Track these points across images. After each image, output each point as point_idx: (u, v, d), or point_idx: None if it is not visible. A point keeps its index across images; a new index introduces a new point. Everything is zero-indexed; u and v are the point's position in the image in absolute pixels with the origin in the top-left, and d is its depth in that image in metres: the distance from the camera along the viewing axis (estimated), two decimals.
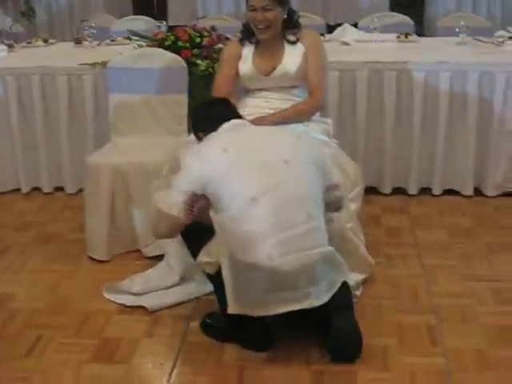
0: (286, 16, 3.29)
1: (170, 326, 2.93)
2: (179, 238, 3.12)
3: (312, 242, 2.52)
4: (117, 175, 3.48)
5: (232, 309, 2.56)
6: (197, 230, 2.69)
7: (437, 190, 4.30)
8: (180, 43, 4.07)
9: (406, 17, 5.39)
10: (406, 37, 4.78)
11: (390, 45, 4.52)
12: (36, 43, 5.09)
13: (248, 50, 3.40)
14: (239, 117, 2.87)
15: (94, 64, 4.23)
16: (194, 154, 2.65)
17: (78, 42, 4.96)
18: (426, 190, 4.34)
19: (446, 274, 3.32)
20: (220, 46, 4.13)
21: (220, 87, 3.39)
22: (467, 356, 2.64)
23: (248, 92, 3.49)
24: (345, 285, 2.66)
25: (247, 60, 3.38)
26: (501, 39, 4.62)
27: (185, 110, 3.81)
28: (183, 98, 3.82)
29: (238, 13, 6.75)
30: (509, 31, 4.82)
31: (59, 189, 4.56)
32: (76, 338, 2.87)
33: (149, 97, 3.82)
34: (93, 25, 4.93)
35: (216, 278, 2.65)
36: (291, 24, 3.36)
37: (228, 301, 2.56)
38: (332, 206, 2.74)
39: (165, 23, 4.88)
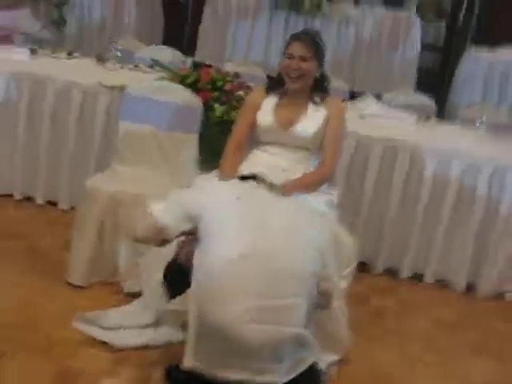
0: (318, 75, 3.27)
1: (135, 368, 2.84)
2: (158, 278, 3.08)
3: (289, 319, 2.43)
4: (110, 203, 3.41)
5: (188, 361, 2.48)
6: (179, 275, 2.61)
7: (429, 278, 4.23)
8: (201, 83, 4.03)
9: (430, 100, 5.37)
10: (426, 120, 4.73)
11: (408, 125, 4.48)
12: (59, 54, 5.05)
13: (271, 101, 3.35)
14: None
15: (112, 87, 4.19)
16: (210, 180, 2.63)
17: (102, 61, 4.92)
18: (417, 277, 4.27)
19: (424, 369, 3.24)
20: (240, 93, 4.10)
21: (237, 134, 3.33)
22: None
23: (258, 144, 3.44)
24: (313, 367, 2.57)
25: (268, 110, 3.33)
26: None
27: (192, 152, 3.75)
28: (192, 139, 3.76)
29: (264, 62, 6.73)
30: None
31: (52, 203, 4.48)
32: (39, 360, 2.78)
33: (158, 131, 3.76)
34: (120, 47, 4.90)
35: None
36: (321, 87, 3.34)
37: (186, 352, 2.48)
38: (321, 300, 2.66)
39: (191, 59, 4.84)
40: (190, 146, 3.76)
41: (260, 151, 3.38)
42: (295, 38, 3.27)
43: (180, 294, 2.65)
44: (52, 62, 4.90)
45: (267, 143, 3.38)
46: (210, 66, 4.29)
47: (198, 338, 2.48)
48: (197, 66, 4.61)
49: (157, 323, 3.12)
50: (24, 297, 3.28)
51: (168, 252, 2.96)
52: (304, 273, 2.52)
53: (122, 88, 4.09)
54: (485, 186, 4.06)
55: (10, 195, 4.49)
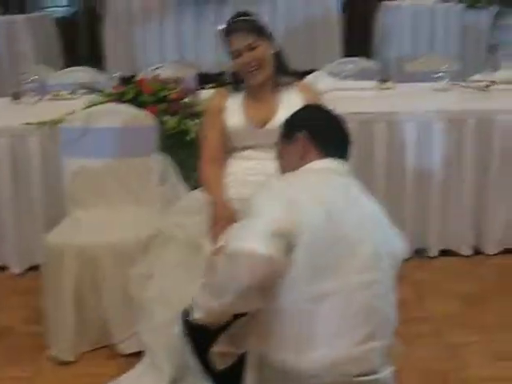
0: (273, 52, 2.86)
1: None
2: (167, 332, 2.60)
3: (367, 366, 2.00)
4: (83, 258, 2.90)
5: None
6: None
7: (433, 252, 3.89)
8: (144, 97, 3.55)
9: (372, 62, 5.03)
10: (383, 83, 4.39)
11: (370, 93, 4.12)
12: None
13: (236, 100, 2.93)
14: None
15: (40, 124, 3.64)
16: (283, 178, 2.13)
17: (17, 97, 4.34)
18: (419, 252, 3.91)
19: (472, 354, 2.91)
20: (189, 99, 3.65)
21: (210, 146, 2.91)
22: None
23: (233, 152, 3.01)
24: None
25: (237, 111, 2.91)
26: (483, 83, 4.29)
27: (155, 175, 3.26)
28: (153, 161, 3.27)
29: (181, 61, 6.26)
30: (486, 74, 4.52)
31: (2, 268, 3.90)
32: None
33: (112, 161, 3.27)
34: (36, 77, 4.33)
35: (225, 373, 2.10)
36: (283, 67, 2.94)
37: None
38: None
39: (117, 74, 4.32)
40: (150, 169, 3.27)
41: (237, 160, 2.96)
42: (229, 31, 2.84)
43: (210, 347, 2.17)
44: None
45: (243, 148, 2.96)
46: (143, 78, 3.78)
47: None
48: (126, 80, 4.10)
49: (175, 383, 2.67)
50: None
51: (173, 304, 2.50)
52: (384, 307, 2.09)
53: (53, 123, 3.57)
54: (471, 141, 3.73)
55: None
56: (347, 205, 2.00)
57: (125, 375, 2.76)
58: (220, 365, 2.13)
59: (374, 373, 1.99)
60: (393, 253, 2.08)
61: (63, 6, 8.69)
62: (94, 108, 3.47)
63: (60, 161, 3.42)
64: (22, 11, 7.39)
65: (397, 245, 2.13)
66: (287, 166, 2.23)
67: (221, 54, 6.42)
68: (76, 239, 2.96)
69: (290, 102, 2.84)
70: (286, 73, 2.97)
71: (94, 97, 3.82)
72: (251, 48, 2.79)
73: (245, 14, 2.92)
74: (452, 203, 3.84)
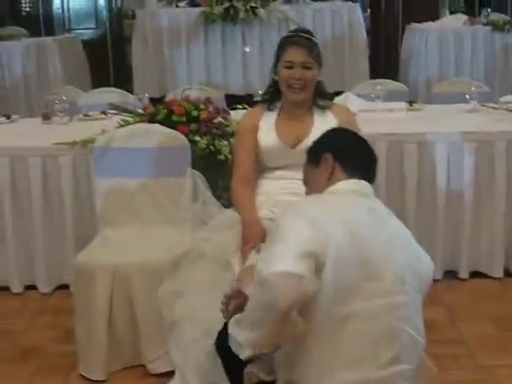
0: (318, 80, 2.91)
1: None
2: (196, 350, 2.59)
3: None
4: (116, 278, 2.89)
5: None
6: None
7: (463, 274, 3.85)
8: (175, 117, 3.56)
9: (400, 84, 5.03)
10: (411, 105, 4.39)
11: (399, 114, 4.11)
12: None
13: (270, 119, 2.95)
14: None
15: (72, 144, 3.67)
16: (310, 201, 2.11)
17: (47, 117, 4.38)
18: (450, 274, 3.88)
19: (506, 376, 2.87)
20: (220, 119, 3.66)
21: (242, 168, 2.92)
22: None
23: (265, 172, 3.01)
24: None
25: (270, 129, 2.92)
26: (511, 105, 4.28)
27: (188, 195, 3.26)
28: (186, 181, 3.27)
29: (209, 83, 6.30)
30: None
31: (31, 287, 3.91)
32: None
33: (145, 181, 3.29)
34: (64, 98, 4.37)
35: None
36: (322, 92, 2.98)
37: None
38: None
39: (146, 95, 4.36)
40: (183, 189, 3.26)
41: (270, 180, 2.97)
42: (292, 42, 2.88)
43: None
44: None
45: (275, 168, 2.97)
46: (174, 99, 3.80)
47: None
48: (155, 101, 4.13)
49: None
50: None
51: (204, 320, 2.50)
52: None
53: (84, 142, 3.60)
54: (501, 162, 3.71)
55: None
56: (372, 226, 1.99)
57: None
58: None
59: None
60: (419, 274, 2.05)
61: (91, 29, 8.81)
62: (126, 128, 3.49)
63: (92, 180, 3.47)
64: (50, 33, 7.51)
65: (424, 266, 2.10)
66: (314, 188, 2.23)
67: (247, 75, 6.61)
68: (107, 259, 2.97)
69: (324, 124, 2.85)
70: (324, 98, 2.99)
71: (124, 117, 3.83)
72: (306, 67, 2.82)
73: (310, 32, 2.97)
74: (483, 225, 3.80)
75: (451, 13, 8.27)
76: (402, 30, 7.64)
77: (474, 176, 3.74)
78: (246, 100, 4.55)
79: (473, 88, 4.35)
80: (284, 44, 2.91)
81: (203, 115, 3.61)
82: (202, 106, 3.69)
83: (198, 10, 6.58)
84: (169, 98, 4.38)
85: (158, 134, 3.33)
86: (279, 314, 1.80)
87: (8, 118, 4.57)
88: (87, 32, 8.66)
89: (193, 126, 3.55)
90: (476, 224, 3.79)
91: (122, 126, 3.67)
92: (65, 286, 3.80)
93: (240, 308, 2.05)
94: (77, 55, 7.24)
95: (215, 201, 3.11)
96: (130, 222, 3.25)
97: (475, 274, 3.88)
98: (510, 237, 3.83)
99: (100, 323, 2.90)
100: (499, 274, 3.85)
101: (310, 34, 2.96)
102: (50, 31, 8.01)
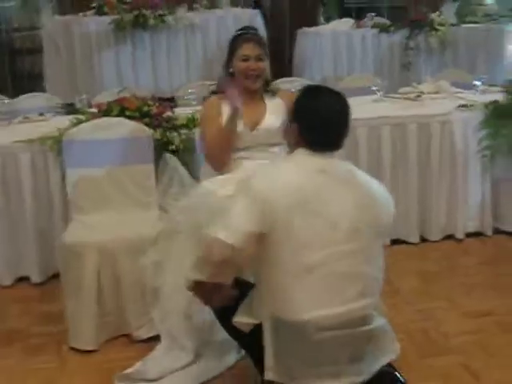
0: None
1: None
2: (183, 312, 2.97)
3: (362, 319, 2.37)
4: (103, 254, 3.20)
5: (270, 375, 2.39)
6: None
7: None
8: (128, 113, 3.89)
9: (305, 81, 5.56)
10: None
11: None
12: None
13: (227, 108, 3.31)
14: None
15: (30, 141, 3.90)
16: (263, 176, 2.41)
17: None
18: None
19: (444, 315, 3.45)
20: (169, 114, 4.03)
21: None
22: None
23: None
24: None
25: None
26: (412, 95, 4.90)
27: (152, 181, 3.63)
28: (150, 168, 3.64)
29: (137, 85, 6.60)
30: (414, 86, 5.15)
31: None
32: None
33: (112, 169, 3.61)
34: (6, 101, 4.54)
35: (248, 338, 2.50)
36: (267, 80, 3.39)
37: (266, 366, 2.39)
38: None
39: (85, 96, 4.60)
40: (148, 175, 3.63)
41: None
42: (245, 39, 3.28)
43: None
44: None
45: (240, 150, 3.34)
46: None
47: (276, 351, 2.40)
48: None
49: (198, 357, 3.02)
50: (44, 378, 3.02)
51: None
52: (367, 270, 2.42)
53: (44, 140, 3.86)
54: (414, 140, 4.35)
55: None
56: (322, 187, 2.32)
57: (149, 356, 3.05)
58: (243, 329, 2.49)
59: (371, 323, 2.39)
60: (376, 223, 2.37)
61: None
62: (92, 122, 3.77)
63: (50, 175, 3.80)
64: None
65: (383, 215, 2.42)
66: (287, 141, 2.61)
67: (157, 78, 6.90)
68: (93, 237, 3.27)
69: (275, 106, 3.30)
70: (268, 85, 3.42)
71: (77, 117, 4.08)
72: (259, 59, 3.24)
73: (256, 29, 3.41)
74: (400, 197, 4.37)
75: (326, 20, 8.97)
76: (289, 35, 8.22)
77: (391, 154, 4.32)
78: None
79: (378, 81, 4.92)
80: (238, 41, 3.31)
81: (154, 110, 3.97)
82: (150, 102, 4.03)
83: (107, 18, 6.83)
84: (97, 100, 4.70)
85: (121, 126, 3.67)
86: (212, 264, 2.32)
87: None
88: None
89: (146, 121, 3.88)
90: (393, 197, 4.34)
91: (77, 123, 3.93)
92: (26, 278, 4.04)
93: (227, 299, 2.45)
94: None
95: (192, 180, 3.47)
96: (101, 207, 3.55)
97: (396, 242, 4.43)
98: (423, 206, 4.44)
99: (90, 297, 3.19)
100: (415, 239, 4.46)
101: (257, 30, 3.42)
102: None
